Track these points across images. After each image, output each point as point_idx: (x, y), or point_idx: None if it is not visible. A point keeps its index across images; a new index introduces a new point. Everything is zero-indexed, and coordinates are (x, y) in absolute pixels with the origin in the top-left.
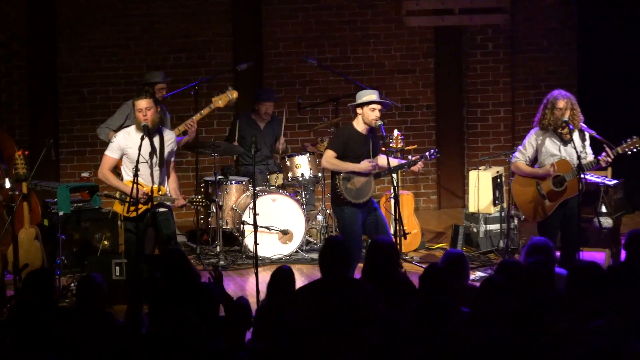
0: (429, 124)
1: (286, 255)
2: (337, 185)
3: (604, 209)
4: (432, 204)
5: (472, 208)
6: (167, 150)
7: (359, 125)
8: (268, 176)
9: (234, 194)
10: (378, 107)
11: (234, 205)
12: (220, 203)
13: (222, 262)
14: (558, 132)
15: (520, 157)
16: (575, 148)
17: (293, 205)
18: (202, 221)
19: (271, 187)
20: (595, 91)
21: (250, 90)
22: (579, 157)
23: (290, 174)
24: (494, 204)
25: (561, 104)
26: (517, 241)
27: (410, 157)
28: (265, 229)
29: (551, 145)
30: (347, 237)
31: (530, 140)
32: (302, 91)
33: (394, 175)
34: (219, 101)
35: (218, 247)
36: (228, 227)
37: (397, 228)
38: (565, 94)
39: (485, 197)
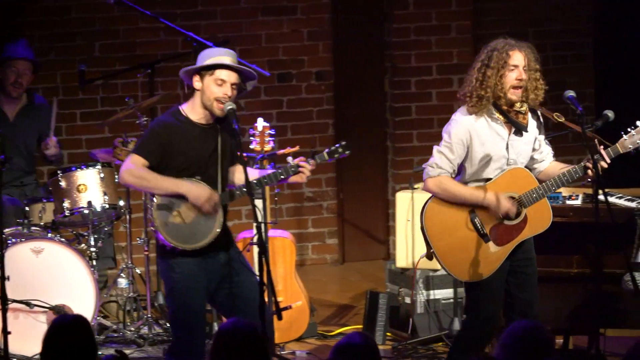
0: (322, 106)
1: None
2: (153, 219)
3: None
4: (330, 254)
5: (401, 261)
6: None
7: (194, 110)
8: (27, 208)
9: None
10: (231, 78)
11: None
12: None
13: None
14: (509, 112)
15: (445, 165)
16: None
17: (73, 261)
18: None
19: (33, 229)
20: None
21: None
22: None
23: (67, 204)
24: None
25: (517, 56)
26: None
27: (290, 160)
28: (24, 306)
29: (493, 140)
30: (175, 317)
31: (458, 132)
32: (88, 50)
33: (259, 201)
34: None
35: None
36: None
37: (267, 299)
38: (517, 42)
39: None
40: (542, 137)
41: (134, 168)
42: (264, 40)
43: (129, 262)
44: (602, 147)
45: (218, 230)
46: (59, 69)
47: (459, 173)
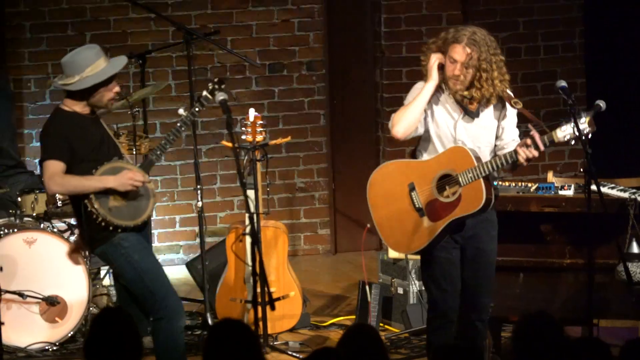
0: (313, 97)
1: (54, 344)
2: (93, 212)
3: (635, 249)
4: (322, 244)
5: (394, 252)
6: None
7: (77, 105)
8: (19, 199)
9: None
10: (115, 76)
11: None
12: None
13: None
14: (455, 94)
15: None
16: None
17: (66, 252)
18: None
19: (25, 220)
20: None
21: None
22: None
23: (59, 195)
24: None
25: (457, 51)
26: None
27: (181, 112)
28: (16, 296)
29: (443, 117)
30: (147, 285)
31: (412, 92)
32: (80, 40)
33: (251, 192)
34: None
35: None
36: None
37: (259, 290)
38: (472, 30)
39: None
40: (508, 124)
41: (57, 177)
42: (254, 31)
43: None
44: (536, 133)
45: (154, 201)
46: (51, 59)
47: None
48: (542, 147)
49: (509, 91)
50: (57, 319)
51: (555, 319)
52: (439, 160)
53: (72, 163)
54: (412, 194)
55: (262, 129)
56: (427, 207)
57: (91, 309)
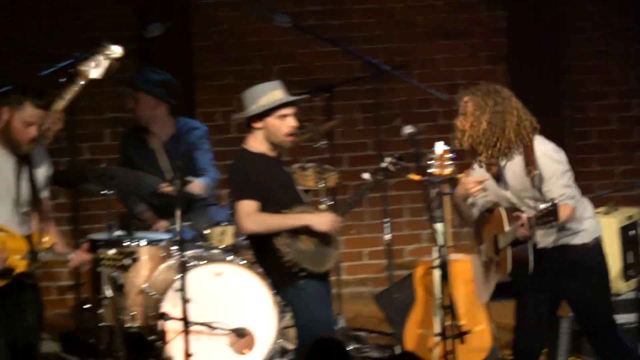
0: None
1: None
2: (281, 252)
3: None
4: None
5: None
6: (41, 177)
7: (262, 145)
8: (207, 231)
9: (145, 265)
10: (291, 110)
11: (144, 285)
12: (121, 280)
13: None
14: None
15: None
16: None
17: (254, 284)
18: (86, 314)
19: (213, 252)
20: None
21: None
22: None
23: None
24: (626, 276)
25: (461, 101)
26: None
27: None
28: (205, 328)
29: (482, 174)
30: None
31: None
32: (265, 73)
33: (439, 225)
34: (91, 70)
35: None
36: (135, 325)
37: (448, 324)
38: (478, 87)
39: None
40: (543, 181)
41: (253, 215)
42: (440, 64)
43: None
44: (525, 216)
45: (338, 253)
46: (236, 92)
47: None
48: (529, 226)
49: (539, 151)
50: (245, 350)
51: None
52: (493, 219)
53: (262, 200)
54: (481, 247)
55: (449, 162)
56: (485, 263)
57: (279, 340)
